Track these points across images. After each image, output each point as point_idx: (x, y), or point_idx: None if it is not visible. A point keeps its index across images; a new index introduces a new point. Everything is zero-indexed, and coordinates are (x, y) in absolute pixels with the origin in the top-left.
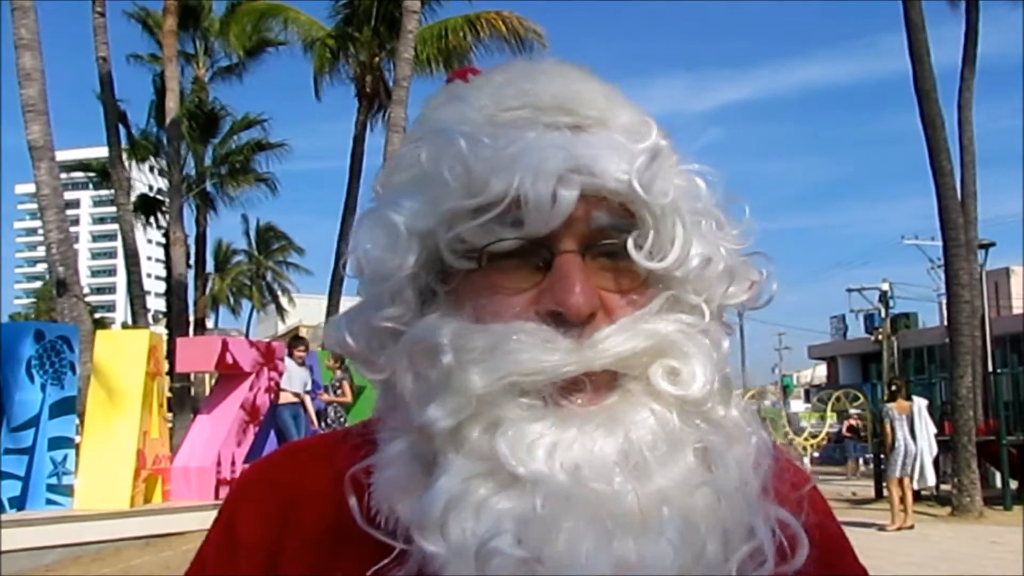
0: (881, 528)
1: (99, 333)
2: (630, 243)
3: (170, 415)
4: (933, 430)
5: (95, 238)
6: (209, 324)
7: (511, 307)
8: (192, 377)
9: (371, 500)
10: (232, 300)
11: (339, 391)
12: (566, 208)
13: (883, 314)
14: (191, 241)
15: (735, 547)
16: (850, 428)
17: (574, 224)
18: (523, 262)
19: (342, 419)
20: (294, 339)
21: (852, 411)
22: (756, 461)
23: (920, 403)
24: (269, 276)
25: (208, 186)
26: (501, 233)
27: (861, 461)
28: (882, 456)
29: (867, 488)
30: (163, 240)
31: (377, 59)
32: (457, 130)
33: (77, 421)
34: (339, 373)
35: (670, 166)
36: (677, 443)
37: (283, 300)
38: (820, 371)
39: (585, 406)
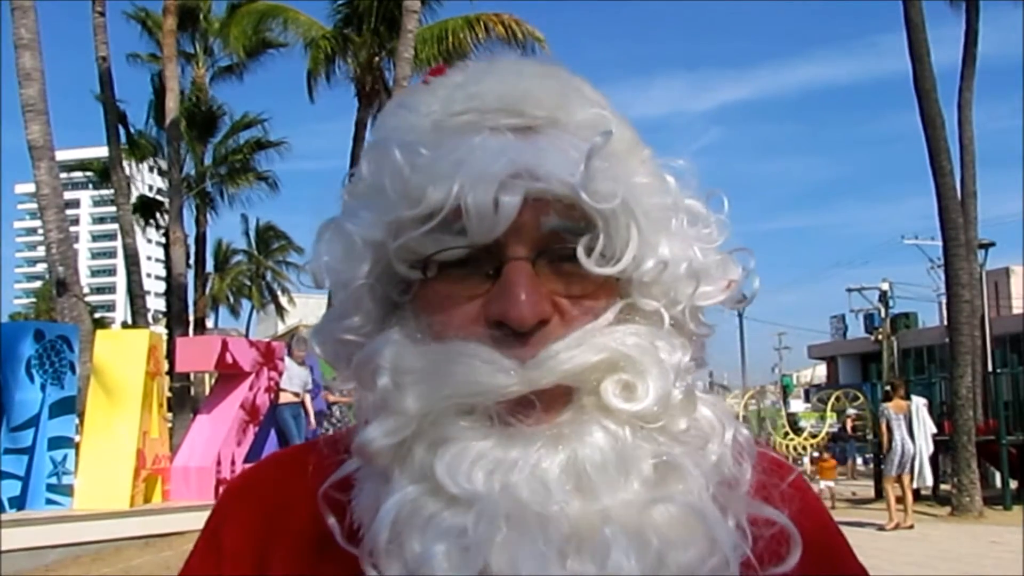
0: (880, 528)
1: (99, 333)
2: (580, 248)
3: (170, 415)
4: (932, 429)
5: (95, 238)
6: (209, 324)
7: (462, 316)
8: (192, 377)
9: (352, 513)
10: (232, 300)
11: (344, 390)
12: (508, 215)
13: (883, 314)
14: (191, 241)
15: (703, 558)
16: (853, 428)
17: (522, 230)
18: (474, 270)
19: (348, 419)
20: (293, 339)
21: (850, 411)
22: (736, 460)
23: (918, 402)
24: (269, 276)
25: (208, 186)
26: (447, 242)
27: (860, 461)
28: (880, 456)
29: (867, 488)
30: (163, 240)
31: (377, 59)
32: (394, 140)
33: (77, 421)
34: None
35: (638, 161)
36: (629, 459)
37: (283, 300)
38: (820, 371)
39: (534, 425)
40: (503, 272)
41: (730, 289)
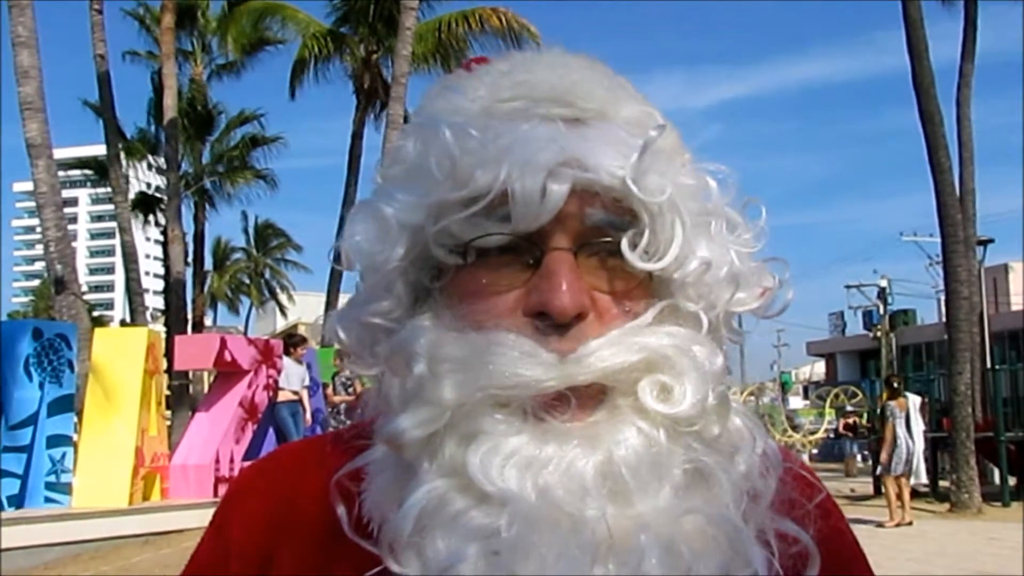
0: (879, 525)
1: (97, 331)
2: (624, 242)
3: (168, 413)
4: (922, 427)
5: (93, 236)
6: (207, 322)
7: (500, 306)
8: (190, 375)
9: (362, 507)
10: (230, 298)
11: (351, 389)
12: (555, 203)
13: (882, 311)
14: (189, 239)
15: (731, 572)
16: (847, 426)
17: (566, 220)
18: (514, 259)
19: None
20: (291, 337)
21: (849, 408)
22: (762, 473)
23: (914, 400)
24: (268, 274)
25: (206, 183)
26: (489, 228)
27: (859, 458)
28: (880, 454)
29: (866, 484)
30: (161, 238)
31: (375, 56)
32: (445, 121)
33: (75, 419)
34: (349, 372)
35: (680, 164)
36: (663, 465)
37: (282, 298)
38: (819, 368)
39: (568, 422)
40: (544, 262)
41: (764, 297)
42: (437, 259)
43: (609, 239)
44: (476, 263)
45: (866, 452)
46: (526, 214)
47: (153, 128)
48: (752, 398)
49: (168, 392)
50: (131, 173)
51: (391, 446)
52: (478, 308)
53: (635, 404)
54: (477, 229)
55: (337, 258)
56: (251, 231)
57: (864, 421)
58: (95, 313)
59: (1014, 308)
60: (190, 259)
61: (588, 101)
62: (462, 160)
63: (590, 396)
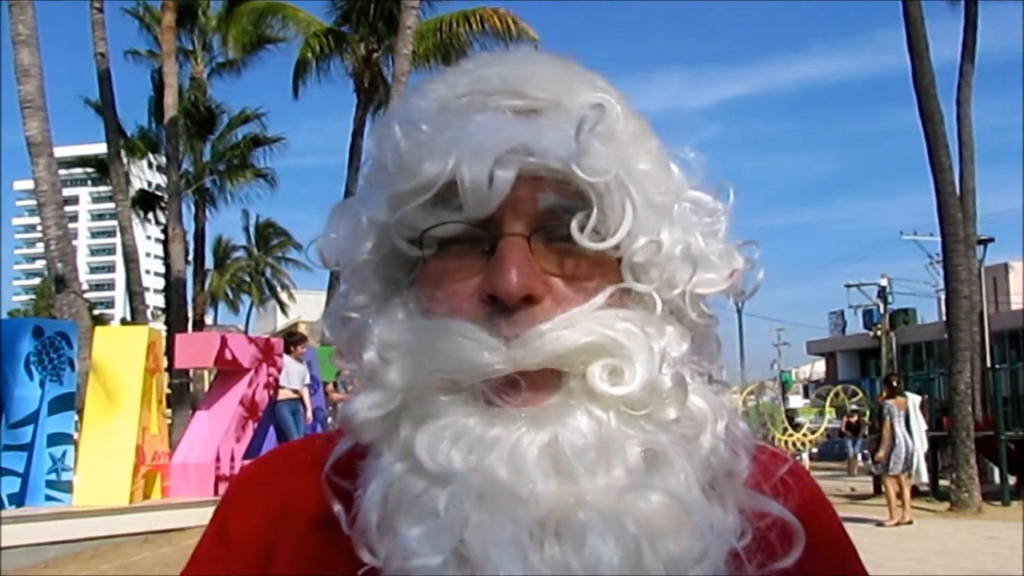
0: (879, 524)
1: (98, 329)
2: (574, 224)
3: (169, 411)
4: (924, 426)
5: (94, 235)
6: (208, 320)
7: (459, 293)
8: (191, 373)
9: (357, 502)
10: (231, 296)
11: (350, 387)
12: (502, 189)
13: (882, 310)
14: (190, 237)
15: (692, 548)
16: (848, 425)
17: (519, 205)
18: (472, 247)
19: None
20: (291, 335)
21: (853, 407)
22: (732, 452)
23: (913, 399)
24: (268, 272)
25: (207, 182)
26: (444, 216)
27: (860, 457)
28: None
29: (866, 483)
30: (162, 237)
31: (376, 55)
32: (395, 118)
33: (76, 417)
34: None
35: (646, 150)
36: (611, 446)
37: (282, 296)
38: (819, 367)
39: (521, 406)
40: (497, 247)
41: (733, 279)
42: (401, 252)
43: (563, 223)
44: (439, 254)
45: (865, 451)
46: (476, 201)
47: (154, 127)
48: (752, 397)
49: (169, 391)
50: (132, 171)
51: (346, 430)
52: (439, 296)
53: (585, 387)
54: (432, 218)
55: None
56: (252, 230)
57: (867, 420)
58: (96, 311)
59: (1014, 307)
60: (191, 258)
61: (540, 91)
62: (411, 152)
63: (544, 381)
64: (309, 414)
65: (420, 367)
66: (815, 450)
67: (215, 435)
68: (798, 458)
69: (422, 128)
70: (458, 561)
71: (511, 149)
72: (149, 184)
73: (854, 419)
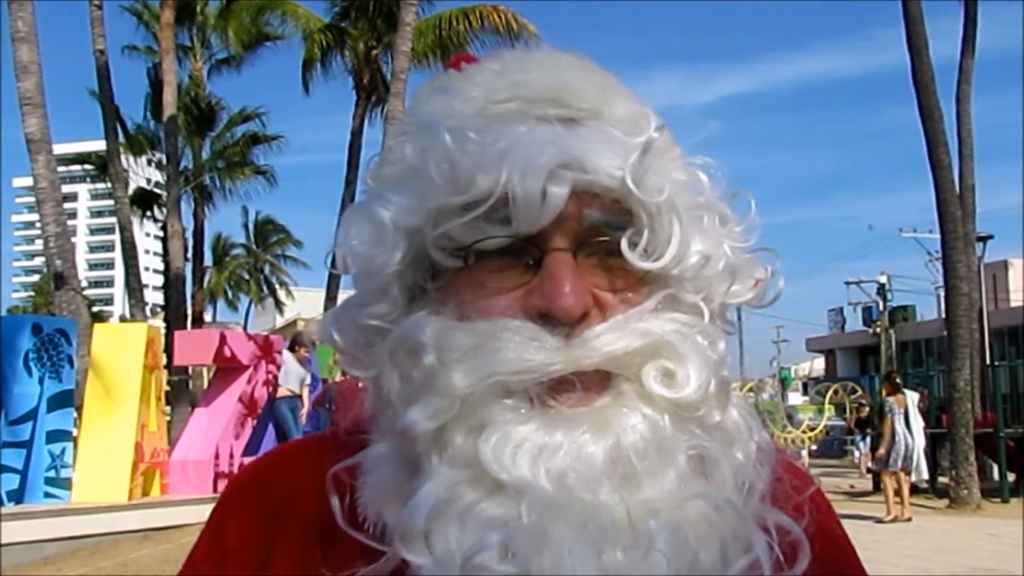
0: (878, 521)
1: (97, 326)
2: (624, 242)
3: (168, 408)
4: (921, 424)
5: (93, 231)
6: (207, 317)
7: (498, 305)
8: (190, 370)
9: (357, 502)
10: (230, 294)
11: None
12: (556, 206)
13: (881, 307)
14: (189, 234)
15: (732, 558)
16: (858, 422)
17: (565, 221)
18: (513, 260)
19: None
20: (298, 335)
21: (862, 402)
22: (756, 465)
23: (912, 396)
24: (267, 269)
25: (206, 179)
26: (489, 231)
27: (857, 455)
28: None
29: (865, 481)
30: (161, 233)
31: (375, 52)
32: (443, 124)
33: (75, 414)
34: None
35: (671, 159)
36: (668, 450)
37: (281, 293)
38: (818, 364)
39: (574, 407)
40: (545, 263)
41: (757, 288)
42: (433, 261)
43: (607, 238)
44: (476, 264)
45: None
46: (527, 217)
47: (151, 124)
48: (751, 394)
49: (168, 388)
50: (130, 167)
51: (404, 440)
52: (477, 307)
53: (639, 389)
54: (478, 232)
55: (334, 262)
56: (251, 227)
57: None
58: (95, 308)
59: (1013, 304)
60: (190, 255)
61: (582, 101)
62: (462, 164)
63: (595, 381)
64: (305, 411)
65: (482, 369)
66: (815, 447)
67: (214, 432)
68: (798, 456)
69: (470, 137)
70: (527, 569)
71: (563, 164)
72: (148, 181)
73: (864, 414)
